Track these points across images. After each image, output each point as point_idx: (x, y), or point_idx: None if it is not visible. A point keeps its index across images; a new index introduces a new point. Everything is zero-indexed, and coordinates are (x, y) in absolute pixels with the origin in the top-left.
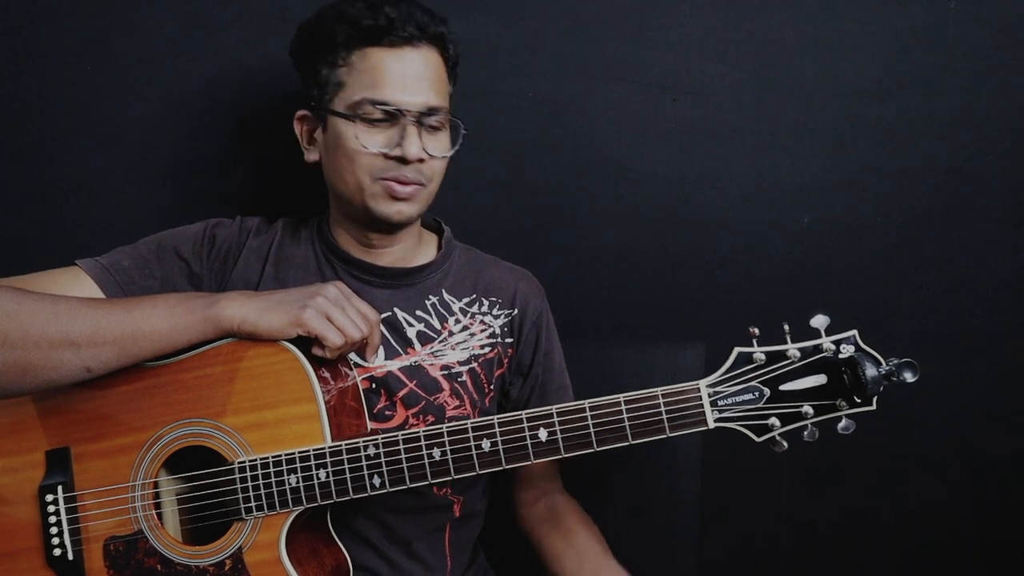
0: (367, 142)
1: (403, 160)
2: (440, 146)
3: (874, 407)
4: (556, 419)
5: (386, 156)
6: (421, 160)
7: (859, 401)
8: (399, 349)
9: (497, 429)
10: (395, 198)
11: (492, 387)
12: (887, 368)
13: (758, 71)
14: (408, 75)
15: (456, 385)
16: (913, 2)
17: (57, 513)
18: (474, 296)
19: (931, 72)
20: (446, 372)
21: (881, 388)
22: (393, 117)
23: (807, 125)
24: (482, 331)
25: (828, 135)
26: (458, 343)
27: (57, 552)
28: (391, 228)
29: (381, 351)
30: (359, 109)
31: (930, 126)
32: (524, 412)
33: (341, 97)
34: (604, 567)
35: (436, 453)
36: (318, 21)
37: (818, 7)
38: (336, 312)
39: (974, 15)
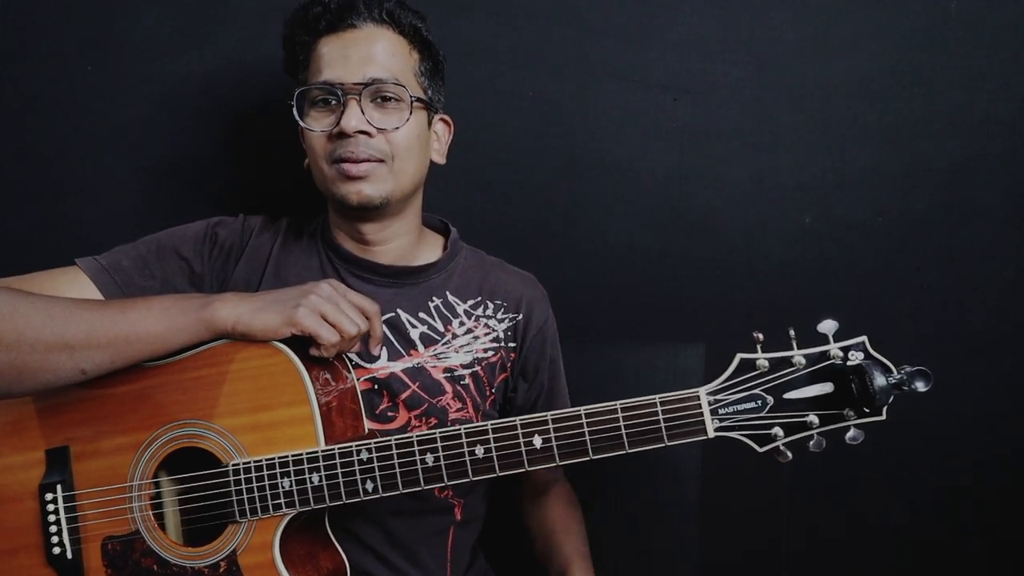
0: (315, 125)
1: (344, 134)
2: (390, 119)
3: (884, 417)
4: (551, 426)
5: (330, 135)
6: (367, 133)
7: (868, 411)
8: (402, 350)
9: (491, 435)
10: (350, 177)
11: (494, 390)
12: (898, 377)
13: (758, 71)
14: (350, 55)
15: (459, 388)
16: (913, 2)
17: (56, 512)
18: (479, 299)
19: (931, 72)
20: (449, 375)
21: (891, 398)
22: (335, 96)
23: (807, 125)
24: (486, 334)
25: (828, 135)
26: (461, 346)
27: (56, 551)
28: (361, 213)
29: (384, 352)
30: (307, 97)
31: (930, 126)
32: (519, 418)
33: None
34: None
35: (429, 459)
36: (285, 33)
37: (818, 7)
38: (330, 308)
39: (974, 15)
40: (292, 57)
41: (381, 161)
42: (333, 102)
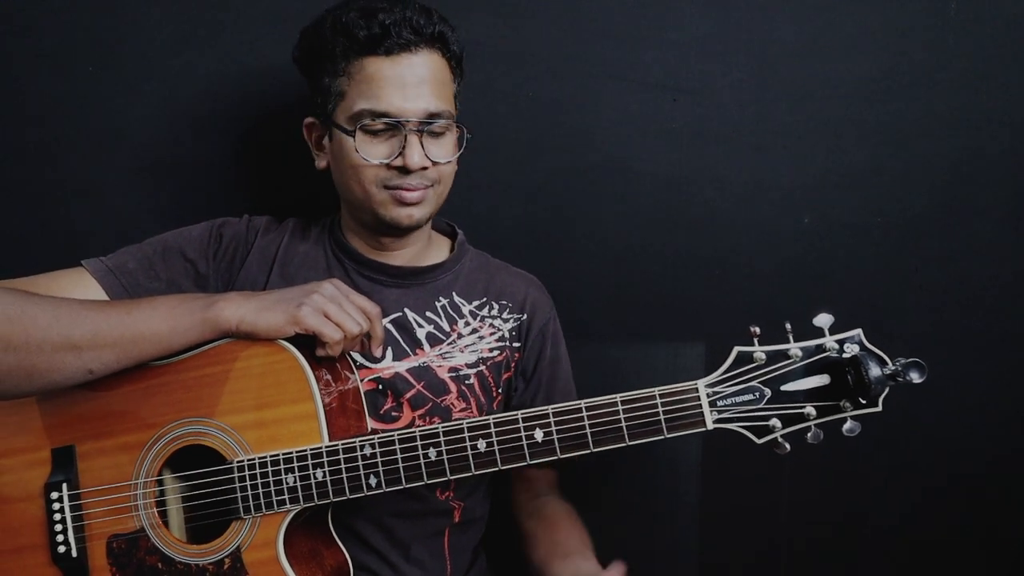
0: (368, 154)
1: (406, 170)
2: (444, 151)
3: (880, 408)
4: (552, 419)
5: (388, 167)
6: (425, 168)
7: (864, 402)
8: (408, 350)
9: (493, 429)
10: (403, 203)
11: (500, 390)
12: (892, 368)
13: (758, 71)
14: (408, 82)
15: (463, 387)
16: (913, 2)
17: (62, 511)
18: (484, 299)
19: (931, 72)
20: (454, 374)
21: (886, 389)
22: (394, 128)
23: (807, 125)
24: (491, 334)
25: (828, 135)
26: (467, 345)
27: (62, 549)
28: (402, 232)
29: (389, 351)
30: (360, 121)
31: (930, 126)
32: (520, 412)
33: (342, 107)
34: (577, 553)
35: (432, 453)
36: (316, 31)
37: (818, 7)
38: (333, 308)
39: (974, 15)
40: (316, 55)
41: (431, 187)
42: (388, 131)
